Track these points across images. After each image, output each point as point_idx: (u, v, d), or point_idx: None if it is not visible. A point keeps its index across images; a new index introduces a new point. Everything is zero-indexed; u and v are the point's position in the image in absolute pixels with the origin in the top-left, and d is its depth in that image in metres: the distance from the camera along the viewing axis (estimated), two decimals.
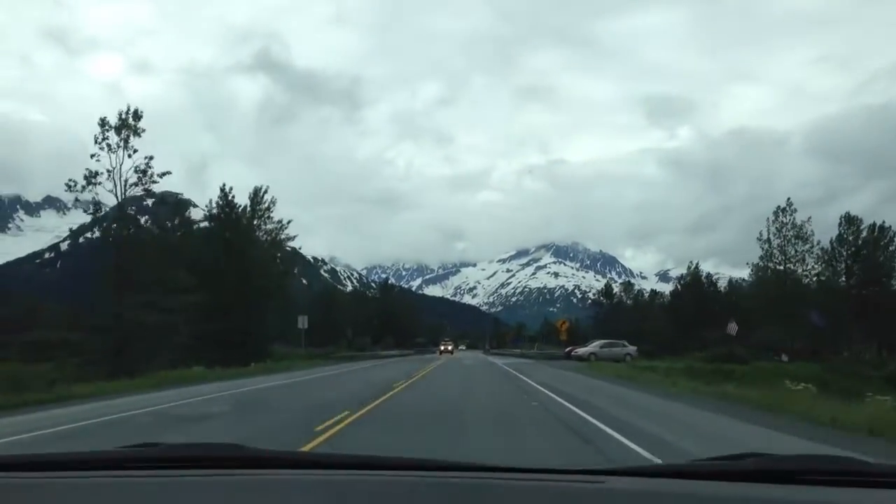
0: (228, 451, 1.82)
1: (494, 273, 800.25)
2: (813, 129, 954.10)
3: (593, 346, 49.61)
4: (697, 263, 73.07)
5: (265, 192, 53.57)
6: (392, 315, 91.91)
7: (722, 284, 75.15)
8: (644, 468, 1.72)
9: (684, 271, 71.97)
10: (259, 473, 1.70)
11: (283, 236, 54.72)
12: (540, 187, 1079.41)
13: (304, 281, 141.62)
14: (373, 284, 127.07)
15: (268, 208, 53.61)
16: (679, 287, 73.07)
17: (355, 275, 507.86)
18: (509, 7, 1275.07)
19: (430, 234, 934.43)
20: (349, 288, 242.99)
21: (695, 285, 69.92)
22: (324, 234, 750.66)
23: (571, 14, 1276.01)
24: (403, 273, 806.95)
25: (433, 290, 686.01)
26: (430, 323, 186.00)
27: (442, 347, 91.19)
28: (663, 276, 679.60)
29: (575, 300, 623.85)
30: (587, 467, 1.72)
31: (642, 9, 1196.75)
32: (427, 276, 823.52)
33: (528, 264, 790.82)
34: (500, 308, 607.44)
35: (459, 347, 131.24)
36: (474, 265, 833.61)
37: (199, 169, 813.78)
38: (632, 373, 30.66)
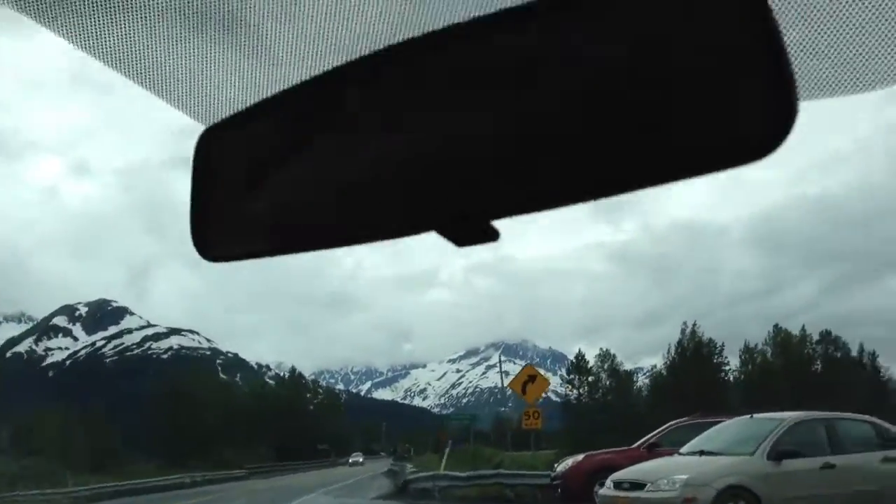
0: None
1: (444, 374, 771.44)
2: (751, 220, 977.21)
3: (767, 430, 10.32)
4: (695, 323, 54.00)
5: None
6: (300, 415, 69.80)
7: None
8: None
9: (632, 366, 52.65)
10: None
11: None
12: (488, 284, 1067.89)
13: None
14: (319, 390, 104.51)
15: None
16: (675, 358, 52.41)
17: (303, 381, 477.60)
18: None
19: (379, 335, 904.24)
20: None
21: (697, 356, 50.43)
22: (270, 338, 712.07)
23: None
24: (352, 377, 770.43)
25: (383, 394, 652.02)
26: (368, 426, 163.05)
27: None
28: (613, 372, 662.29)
29: None
30: None
31: None
32: (377, 380, 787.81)
33: (478, 363, 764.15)
34: (451, 409, 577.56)
35: (352, 458, 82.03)
36: (424, 366, 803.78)
37: (142, 273, 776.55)
38: None
